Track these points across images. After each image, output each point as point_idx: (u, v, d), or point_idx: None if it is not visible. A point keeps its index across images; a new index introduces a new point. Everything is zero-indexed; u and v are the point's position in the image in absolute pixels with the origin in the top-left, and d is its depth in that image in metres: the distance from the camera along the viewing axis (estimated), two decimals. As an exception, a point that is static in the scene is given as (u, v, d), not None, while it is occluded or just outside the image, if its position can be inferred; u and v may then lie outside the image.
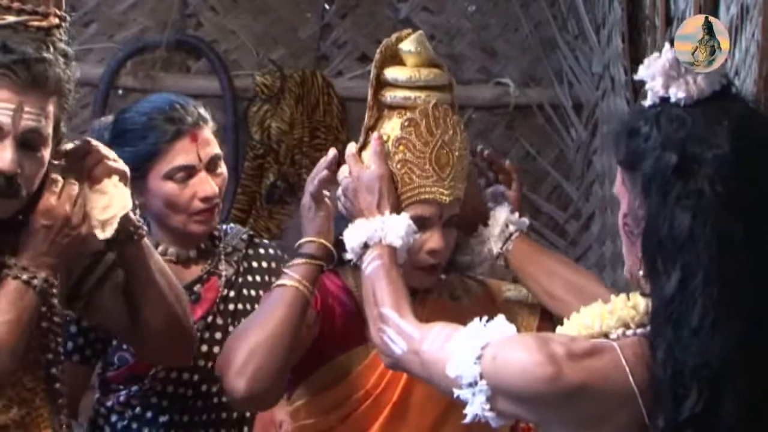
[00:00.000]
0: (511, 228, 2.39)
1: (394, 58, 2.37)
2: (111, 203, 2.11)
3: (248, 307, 2.68)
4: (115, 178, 2.13)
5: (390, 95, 2.32)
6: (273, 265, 2.78)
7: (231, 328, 2.62)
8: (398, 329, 1.97)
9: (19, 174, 1.98)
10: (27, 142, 2.00)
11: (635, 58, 3.73)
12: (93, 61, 4.45)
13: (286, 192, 4.45)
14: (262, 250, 2.82)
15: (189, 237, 2.65)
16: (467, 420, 1.74)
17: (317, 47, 4.69)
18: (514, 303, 2.44)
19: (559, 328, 1.78)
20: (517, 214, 2.42)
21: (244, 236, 2.81)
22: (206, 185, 2.61)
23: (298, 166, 4.47)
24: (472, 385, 1.72)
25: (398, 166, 2.27)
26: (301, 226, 2.29)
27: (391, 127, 2.30)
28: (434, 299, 2.37)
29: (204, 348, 2.62)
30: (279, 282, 2.23)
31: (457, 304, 2.40)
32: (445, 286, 2.42)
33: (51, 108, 2.02)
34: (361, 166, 2.24)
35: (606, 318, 1.72)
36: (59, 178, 2.06)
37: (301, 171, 4.44)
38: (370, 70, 4.60)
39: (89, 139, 2.17)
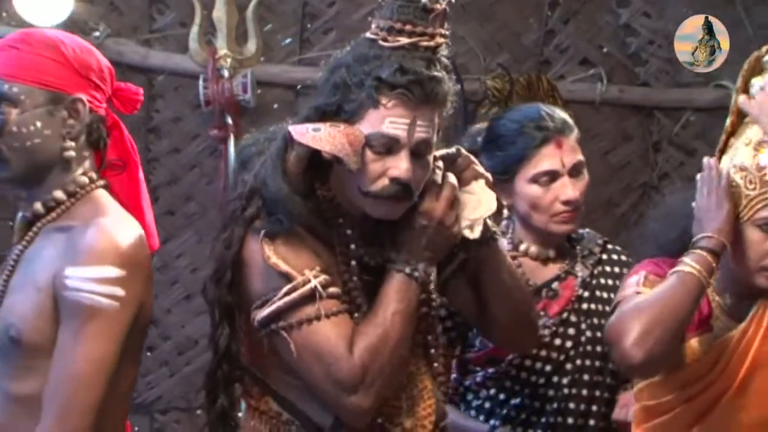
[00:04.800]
0: None
1: (760, 68, 2.50)
2: (479, 205, 2.25)
3: (600, 307, 2.84)
4: (482, 181, 2.28)
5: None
6: (624, 270, 2.90)
7: (583, 326, 2.81)
8: None
9: (411, 180, 2.16)
10: (417, 151, 2.16)
11: None
12: (331, 67, 4.73)
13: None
14: (615, 256, 2.96)
15: (550, 237, 2.83)
16: None
17: (540, 52, 4.87)
18: None
19: None
20: None
21: (599, 241, 2.96)
22: (567, 189, 2.77)
23: (524, 166, 4.65)
24: None
25: (755, 168, 2.42)
26: (699, 220, 2.45)
27: (754, 132, 2.44)
28: None
29: (557, 341, 2.81)
30: (678, 268, 2.39)
31: None
32: None
33: (436, 119, 2.18)
34: None
35: None
36: (439, 180, 2.22)
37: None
38: (591, 74, 4.84)
39: (459, 147, 2.32)
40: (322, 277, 2.15)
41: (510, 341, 2.54)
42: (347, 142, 2.12)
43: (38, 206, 2.28)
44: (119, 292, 2.16)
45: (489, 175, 2.30)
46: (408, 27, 2.15)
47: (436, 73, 2.15)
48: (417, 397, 2.28)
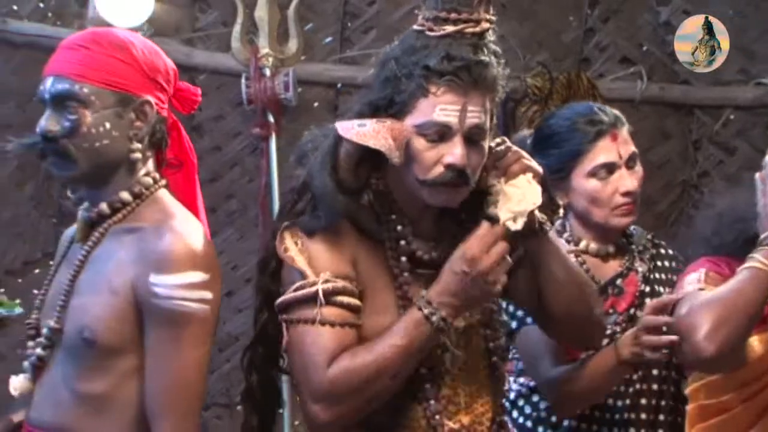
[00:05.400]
0: None
1: None
2: (524, 198, 2.22)
3: None
4: (530, 174, 2.25)
5: None
6: (674, 264, 2.93)
7: None
8: None
9: (467, 165, 2.16)
10: (471, 137, 2.16)
11: None
12: (372, 65, 4.73)
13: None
14: (663, 250, 2.97)
15: (609, 232, 2.83)
16: None
17: (580, 50, 4.88)
18: None
19: None
20: None
21: (649, 236, 2.97)
22: (626, 181, 2.78)
23: (563, 164, 4.66)
24: None
25: None
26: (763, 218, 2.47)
27: None
28: None
29: None
30: (748, 264, 2.42)
31: None
32: None
33: (488, 104, 2.18)
34: None
35: None
36: (489, 226, 2.15)
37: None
38: (631, 72, 4.84)
39: (508, 144, 2.29)
40: (332, 284, 2.15)
41: (568, 337, 2.52)
42: (391, 136, 2.13)
43: (104, 207, 2.30)
44: (207, 295, 2.21)
45: (539, 168, 2.28)
46: (453, 15, 2.16)
47: (483, 58, 2.15)
48: (474, 394, 2.28)
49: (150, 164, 2.35)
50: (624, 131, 2.84)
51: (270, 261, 2.25)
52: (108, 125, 2.25)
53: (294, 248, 2.20)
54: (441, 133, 2.15)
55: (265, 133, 4.58)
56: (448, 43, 2.15)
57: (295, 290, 2.18)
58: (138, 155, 2.30)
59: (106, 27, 2.56)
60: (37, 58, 4.62)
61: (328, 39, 4.85)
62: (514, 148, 2.28)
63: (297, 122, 4.75)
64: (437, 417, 2.22)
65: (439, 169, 2.16)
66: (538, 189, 2.24)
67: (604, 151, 2.78)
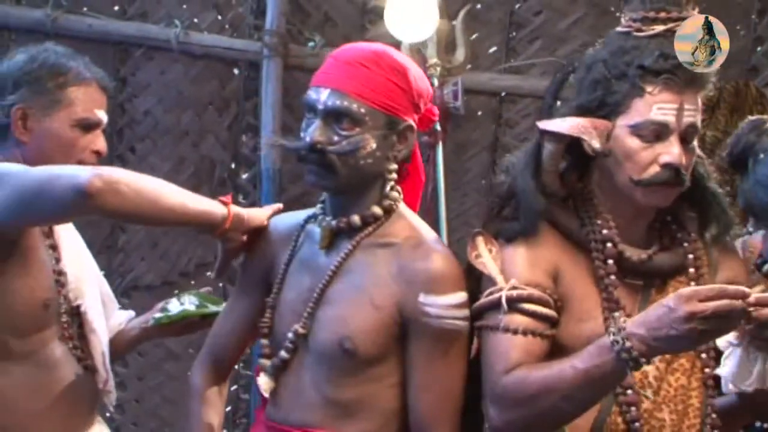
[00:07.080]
0: None
1: None
2: (751, 377, 2.19)
3: None
4: None
5: None
6: None
7: None
8: None
9: (683, 165, 2.16)
10: (685, 136, 2.18)
11: None
12: (536, 74, 4.82)
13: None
14: None
15: None
16: None
17: (747, 59, 4.82)
18: None
19: None
20: None
21: None
22: None
23: (729, 174, 4.61)
24: None
25: None
26: None
27: None
28: None
29: None
30: None
31: None
32: None
33: (699, 102, 2.21)
34: None
35: None
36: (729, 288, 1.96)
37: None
38: (799, 81, 4.74)
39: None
40: (517, 292, 2.17)
41: None
42: (591, 126, 2.16)
43: (356, 219, 2.36)
44: (467, 312, 2.28)
45: None
46: (662, 14, 2.20)
47: None
48: (682, 413, 2.24)
49: (394, 179, 2.40)
50: None
51: (475, 267, 2.28)
52: (374, 145, 2.31)
53: (487, 255, 2.24)
54: (657, 133, 2.17)
55: (433, 141, 4.63)
56: (659, 41, 2.19)
57: (486, 296, 2.22)
58: (393, 175, 2.37)
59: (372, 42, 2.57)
60: (213, 68, 4.86)
61: (494, 48, 4.90)
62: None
63: (461, 130, 4.83)
64: (637, 424, 2.19)
65: (655, 169, 2.17)
66: None
67: None
